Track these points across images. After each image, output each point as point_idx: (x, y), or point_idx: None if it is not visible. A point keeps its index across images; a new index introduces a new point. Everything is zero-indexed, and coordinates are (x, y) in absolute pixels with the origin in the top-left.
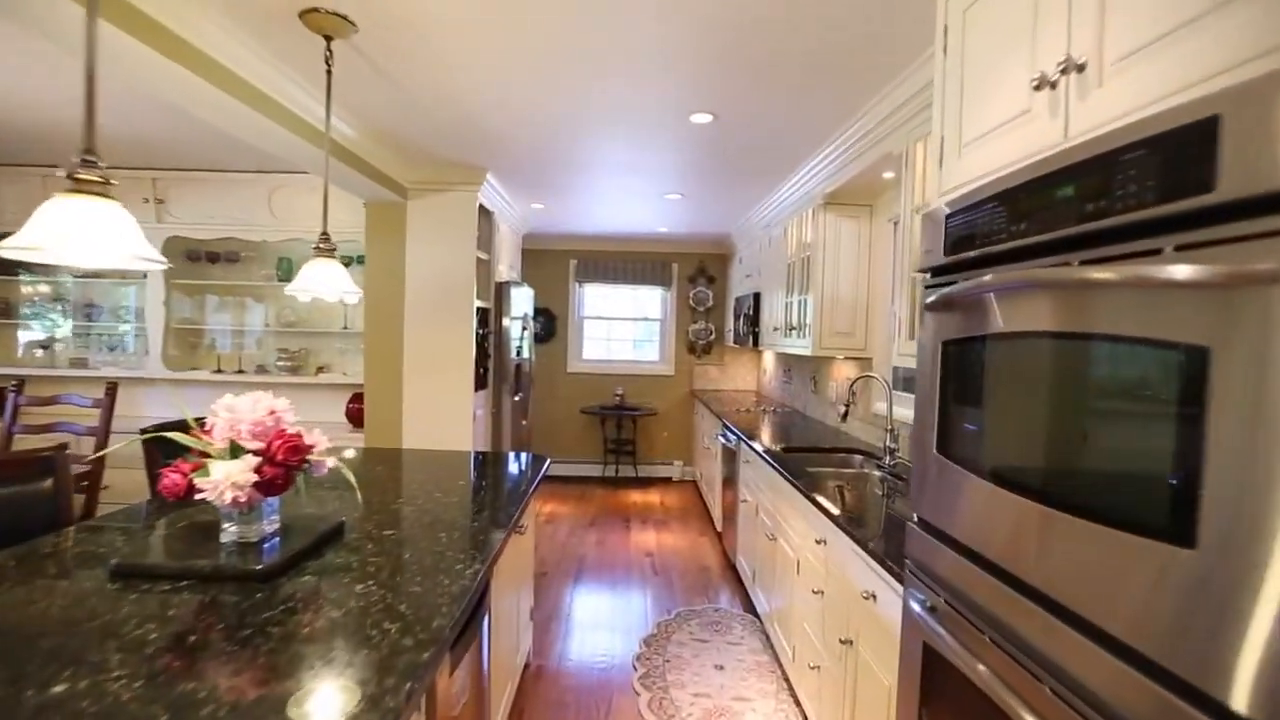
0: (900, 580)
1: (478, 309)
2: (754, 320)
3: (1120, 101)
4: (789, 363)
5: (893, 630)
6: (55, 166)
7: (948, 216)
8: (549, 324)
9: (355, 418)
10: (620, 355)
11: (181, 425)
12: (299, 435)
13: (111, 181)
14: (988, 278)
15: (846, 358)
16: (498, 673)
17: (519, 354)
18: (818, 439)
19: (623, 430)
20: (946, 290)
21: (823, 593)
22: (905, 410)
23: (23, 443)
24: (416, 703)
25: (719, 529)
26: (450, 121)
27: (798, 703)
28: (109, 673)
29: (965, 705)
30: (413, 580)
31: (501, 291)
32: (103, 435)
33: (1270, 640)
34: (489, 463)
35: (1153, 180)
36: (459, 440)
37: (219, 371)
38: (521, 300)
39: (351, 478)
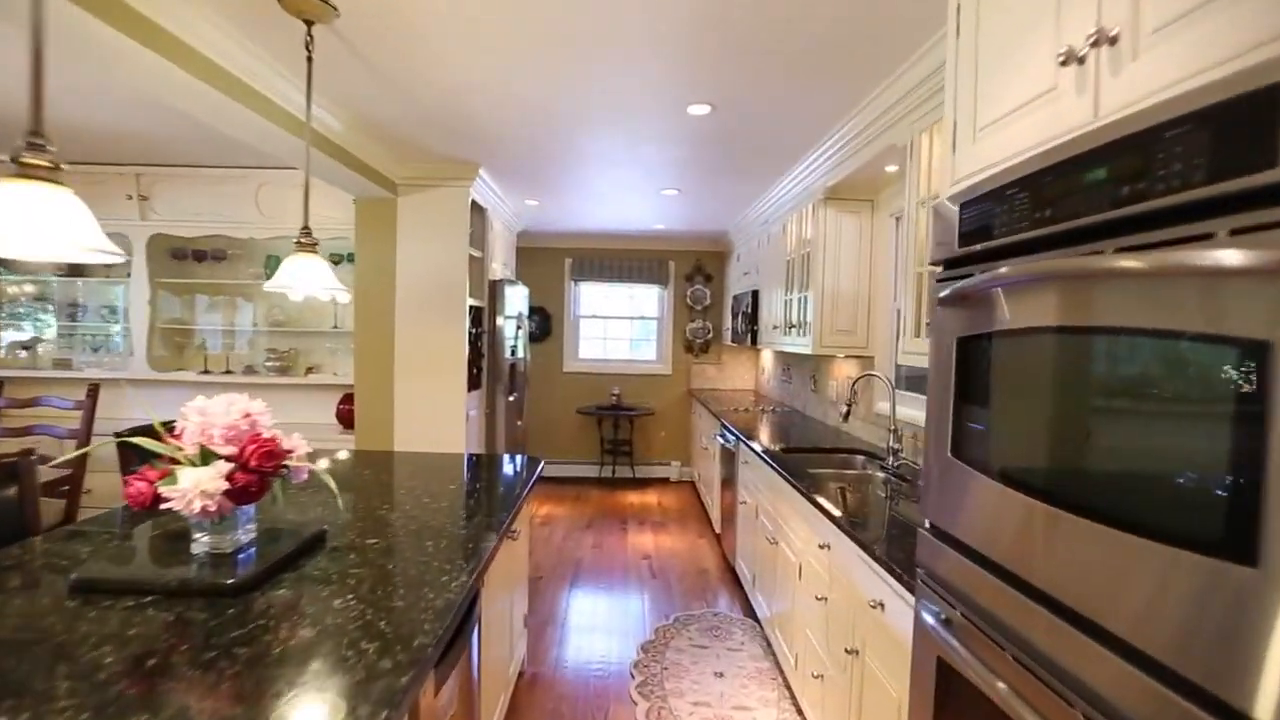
0: (911, 590)
1: (471, 307)
2: (752, 319)
3: (1158, 75)
4: (788, 361)
5: (902, 641)
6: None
7: (962, 205)
8: (544, 323)
9: (346, 419)
10: (617, 354)
11: (151, 430)
12: (275, 439)
13: (61, 166)
14: (1008, 269)
15: (847, 356)
16: (489, 683)
17: (513, 353)
18: (818, 439)
19: (619, 430)
20: (962, 283)
21: (826, 599)
22: (908, 410)
23: (1, 445)
24: None
25: (718, 531)
26: (440, 113)
27: (800, 712)
28: (54, 703)
29: None
30: (395, 594)
31: (495, 290)
32: (84, 438)
33: None
34: (481, 465)
35: (1202, 158)
36: (452, 442)
37: (206, 372)
38: (516, 299)
39: (332, 483)
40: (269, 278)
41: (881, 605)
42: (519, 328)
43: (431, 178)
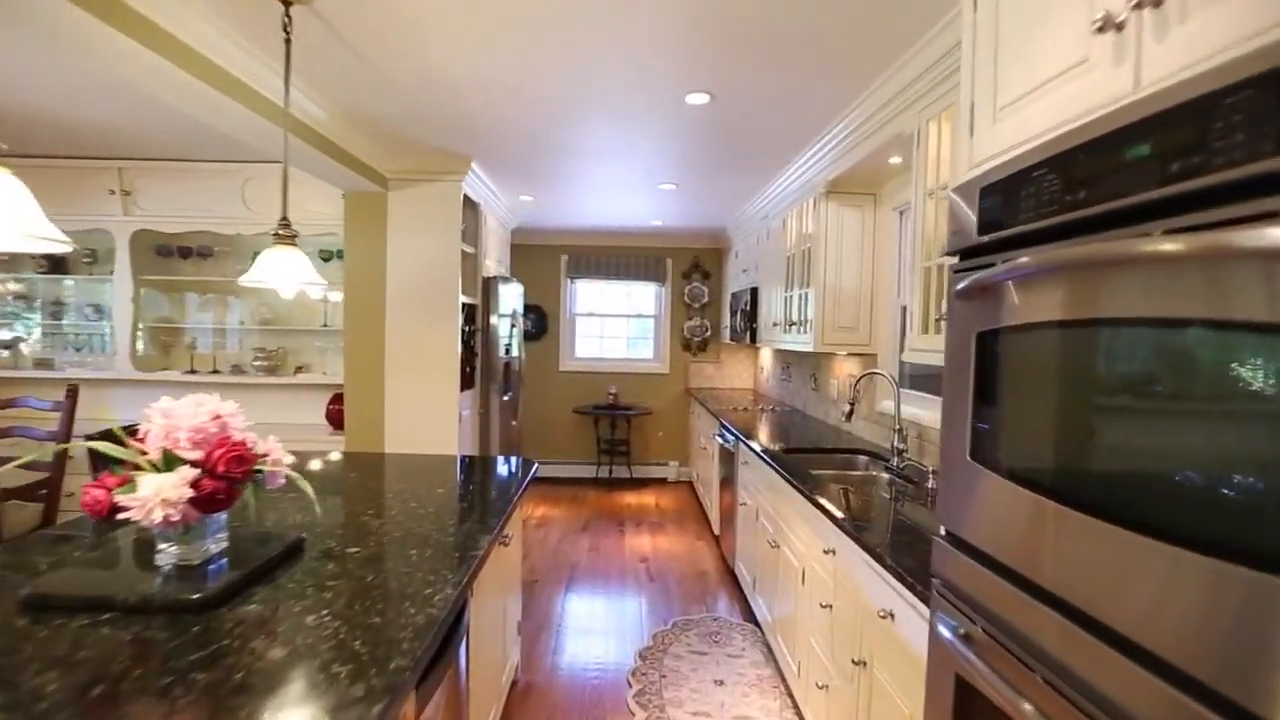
0: (925, 601)
1: (464, 305)
2: (751, 316)
3: (1211, 38)
4: (788, 360)
5: (914, 654)
6: None
7: (981, 191)
8: (540, 321)
9: (336, 419)
10: (613, 353)
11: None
12: (246, 443)
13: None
14: (1042, 256)
15: (849, 354)
16: (479, 695)
17: (508, 352)
18: (819, 439)
19: (616, 430)
20: (984, 274)
21: (831, 606)
22: (913, 409)
23: None
24: None
25: (716, 532)
26: (428, 102)
27: None
28: None
29: None
30: (374, 609)
31: (489, 287)
32: (63, 440)
33: None
34: (472, 468)
35: (1269, 126)
36: (444, 442)
37: (192, 372)
38: (510, 296)
39: (309, 490)
40: None
41: (891, 615)
42: (514, 326)
43: (422, 171)
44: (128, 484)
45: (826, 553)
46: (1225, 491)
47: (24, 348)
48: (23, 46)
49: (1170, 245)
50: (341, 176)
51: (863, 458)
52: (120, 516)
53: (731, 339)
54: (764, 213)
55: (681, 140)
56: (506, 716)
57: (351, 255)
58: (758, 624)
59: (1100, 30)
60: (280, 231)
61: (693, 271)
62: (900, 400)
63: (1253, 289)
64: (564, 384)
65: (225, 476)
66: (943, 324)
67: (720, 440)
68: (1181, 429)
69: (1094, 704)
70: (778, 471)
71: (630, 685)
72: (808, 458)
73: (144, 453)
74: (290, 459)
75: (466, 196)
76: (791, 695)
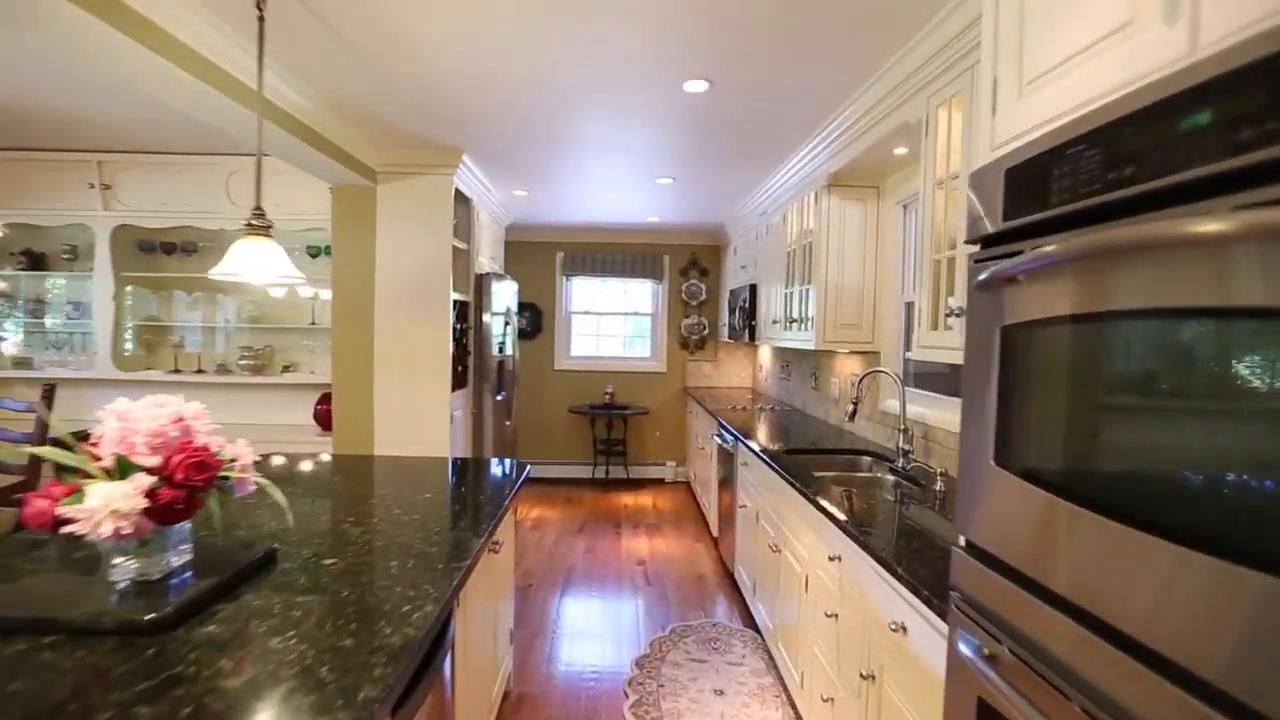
0: (942, 615)
1: (455, 302)
2: (750, 314)
3: None
4: (787, 358)
5: (929, 670)
6: None
7: (1007, 173)
8: (535, 319)
9: (324, 420)
10: (610, 351)
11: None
12: (208, 448)
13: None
14: (1076, 241)
15: (851, 352)
16: (468, 710)
17: (501, 350)
18: (821, 439)
19: (613, 430)
20: (1012, 262)
21: (837, 616)
22: (918, 408)
23: None
24: None
25: (715, 534)
26: (416, 89)
27: None
28: None
29: None
30: (346, 629)
31: (482, 284)
32: (38, 442)
33: None
34: (461, 471)
35: None
36: (435, 443)
37: (176, 371)
38: (504, 293)
39: (280, 498)
40: None
41: (903, 628)
42: (507, 324)
43: (412, 164)
44: (75, 494)
45: (832, 559)
46: None
47: (4, 347)
48: None
49: (1256, 219)
50: (327, 169)
51: (866, 458)
52: (65, 530)
53: (730, 337)
54: (763, 208)
55: (679, 131)
56: None
57: (339, 251)
58: (758, 630)
59: None
60: (254, 222)
61: (690, 269)
62: (905, 399)
63: None
64: (559, 383)
65: (184, 485)
66: (953, 320)
67: (719, 440)
68: (1260, 436)
69: None
70: (779, 473)
71: (627, 695)
72: (809, 458)
73: (97, 459)
74: (247, 458)
75: (458, 191)
76: (794, 706)
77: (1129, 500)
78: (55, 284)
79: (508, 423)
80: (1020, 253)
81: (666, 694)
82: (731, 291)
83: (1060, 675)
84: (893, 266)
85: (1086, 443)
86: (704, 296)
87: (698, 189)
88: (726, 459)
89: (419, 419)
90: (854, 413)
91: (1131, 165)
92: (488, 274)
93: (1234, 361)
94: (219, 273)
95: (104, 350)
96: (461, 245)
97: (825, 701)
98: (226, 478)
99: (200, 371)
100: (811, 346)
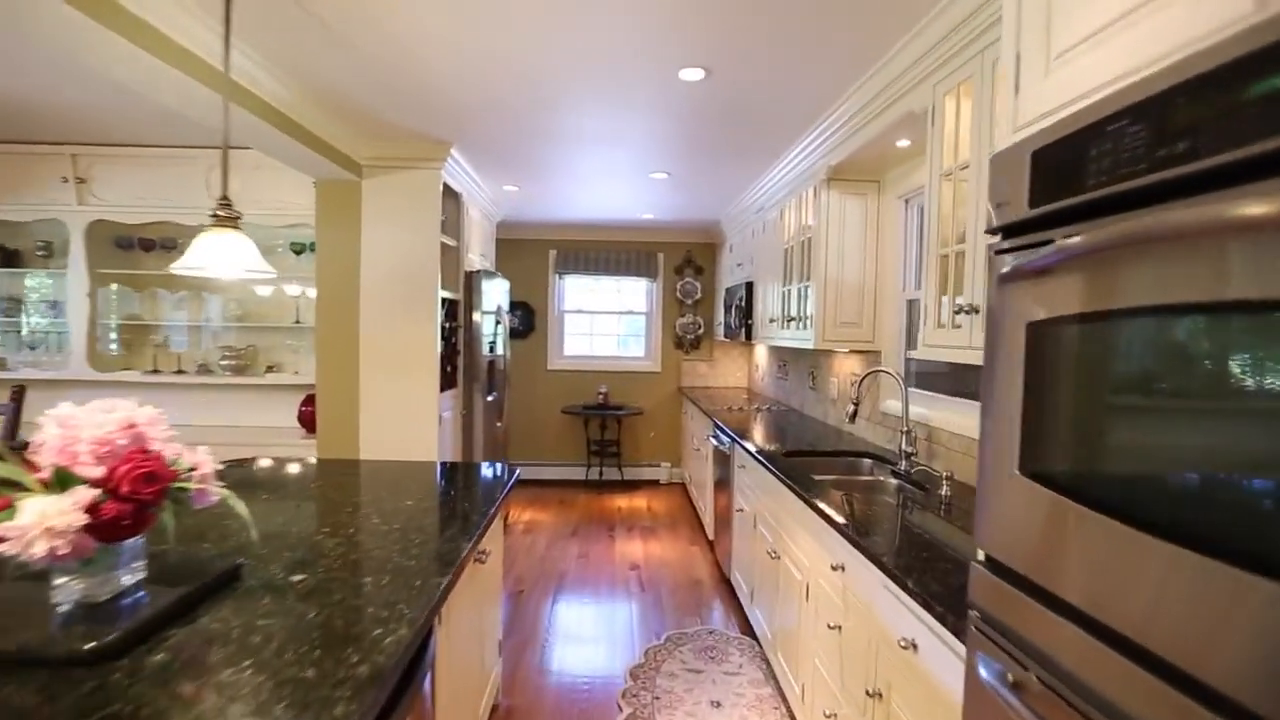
0: (958, 635)
1: (444, 300)
2: (747, 312)
3: None
4: (784, 357)
5: (943, 692)
6: None
7: (1034, 155)
8: (527, 318)
9: (308, 422)
10: (603, 351)
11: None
12: (160, 457)
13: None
14: (1121, 226)
15: (851, 351)
16: None
17: (492, 350)
18: (820, 440)
19: (606, 431)
20: (1043, 252)
21: (840, 628)
22: (920, 409)
23: None
24: None
25: (711, 537)
26: (402, 79)
27: None
28: None
29: None
30: (310, 656)
31: (472, 282)
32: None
33: None
34: (446, 476)
35: None
36: (423, 445)
37: (155, 372)
38: (495, 292)
39: (243, 510)
40: None
41: (914, 645)
42: (498, 323)
43: (399, 158)
44: (6, 509)
45: (835, 569)
46: None
47: None
48: None
49: None
50: (310, 162)
51: (867, 461)
52: None
53: (725, 336)
54: (759, 204)
55: (674, 122)
56: None
57: (324, 247)
58: (755, 638)
59: None
60: (219, 213)
61: (685, 267)
62: (908, 400)
63: None
64: (552, 383)
65: (132, 498)
66: (963, 317)
67: (715, 442)
68: None
69: None
70: (778, 477)
71: (621, 709)
72: (808, 461)
73: (35, 469)
74: (208, 466)
75: (447, 186)
76: (794, 718)
77: (1186, 519)
78: (41, 282)
79: (499, 424)
80: (1049, 242)
81: (662, 706)
82: (727, 290)
83: (1100, 710)
84: (894, 263)
85: (1132, 453)
86: (699, 295)
87: (693, 184)
88: (722, 460)
89: (406, 420)
90: (854, 414)
91: (1185, 140)
92: (478, 271)
93: None
94: (181, 267)
95: (79, 350)
96: (450, 242)
97: (828, 717)
98: (184, 489)
99: (180, 372)
100: (810, 346)
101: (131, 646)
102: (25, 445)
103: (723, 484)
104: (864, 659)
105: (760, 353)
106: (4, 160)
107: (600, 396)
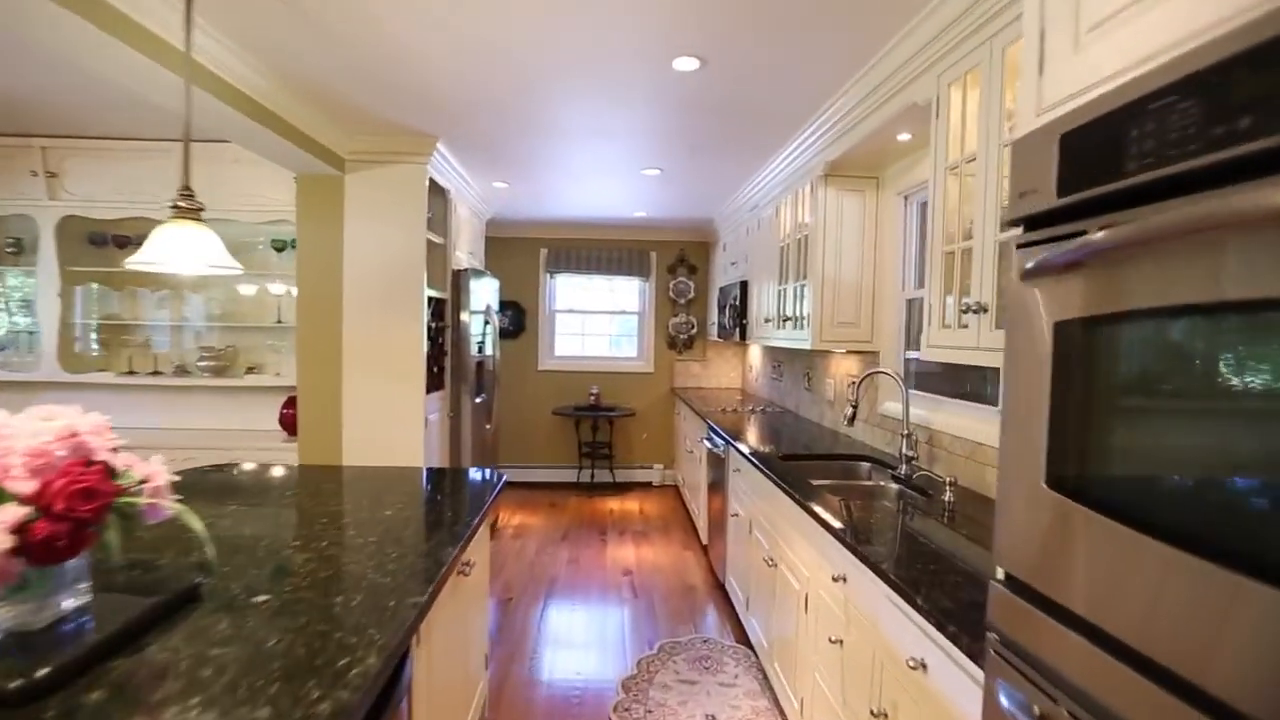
0: (974, 658)
1: (431, 299)
2: (741, 312)
3: None
4: (778, 358)
5: (955, 716)
6: None
7: (1064, 138)
8: (518, 318)
9: (290, 425)
10: (595, 351)
11: None
12: (102, 470)
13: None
14: (1170, 215)
15: (848, 351)
16: None
17: (481, 350)
18: (816, 443)
19: (598, 432)
20: (1075, 244)
21: (842, 643)
22: (921, 411)
23: None
24: None
25: (704, 541)
26: (384, 68)
27: None
28: None
29: None
30: (264, 693)
31: (460, 280)
32: None
33: None
34: (430, 482)
35: None
36: (408, 448)
37: (130, 373)
38: (483, 291)
39: (198, 527)
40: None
41: (923, 665)
42: (487, 322)
43: (383, 151)
44: None
45: (836, 580)
46: None
47: None
48: None
49: None
50: (290, 155)
51: (865, 465)
52: None
53: (719, 336)
54: (754, 201)
55: (668, 115)
56: None
57: (305, 244)
58: (751, 646)
59: None
60: (180, 203)
61: (678, 266)
62: (909, 402)
63: None
64: (543, 384)
65: (67, 516)
66: (970, 316)
67: (708, 445)
68: None
69: None
70: (774, 481)
71: None
72: (805, 465)
73: None
74: (161, 479)
75: (434, 181)
76: None
77: (1250, 544)
78: (24, 281)
79: (488, 426)
80: (1081, 233)
81: None
82: (721, 289)
83: None
84: (893, 261)
85: (1183, 466)
86: (692, 294)
87: (686, 181)
88: (716, 463)
89: (391, 423)
90: (853, 416)
91: (1249, 117)
92: (466, 270)
93: None
94: (137, 262)
95: (49, 351)
96: (438, 239)
97: None
98: (131, 504)
99: (157, 373)
100: (807, 346)
101: (67, 681)
102: None
103: (716, 487)
104: (868, 676)
105: (754, 353)
106: None
107: (592, 397)
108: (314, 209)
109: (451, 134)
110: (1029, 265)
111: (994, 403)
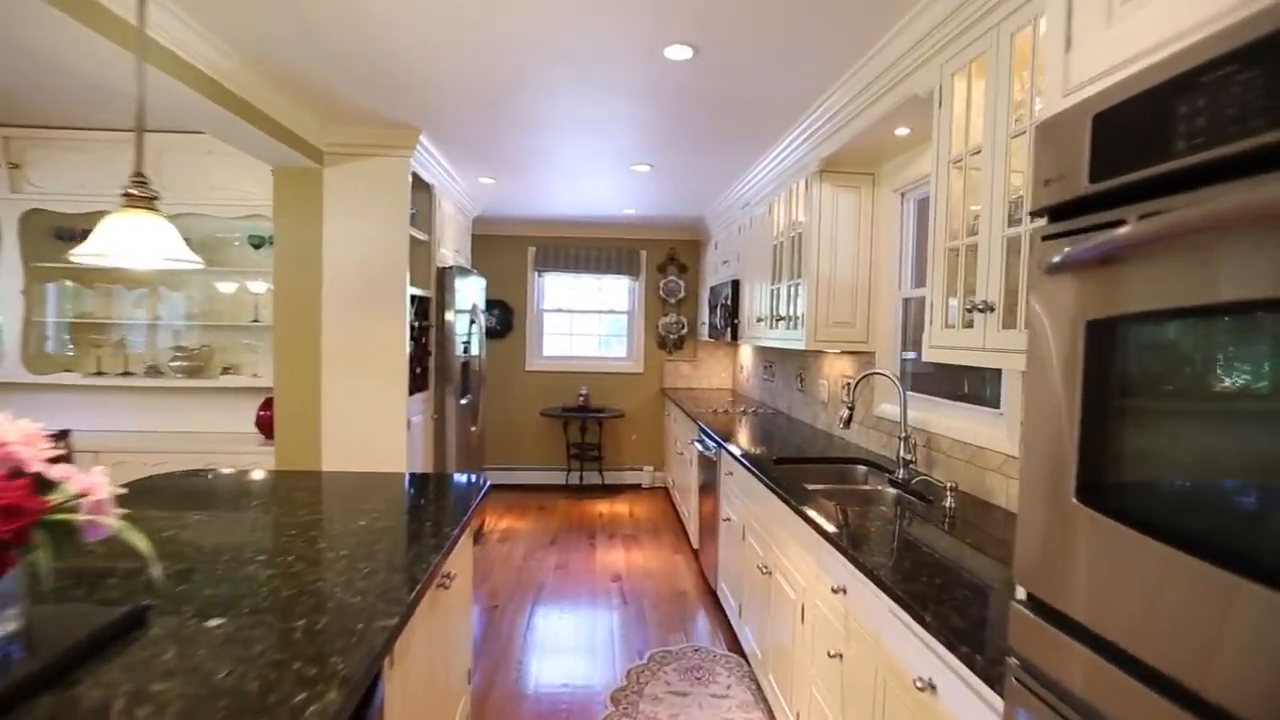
0: (992, 684)
1: (414, 298)
2: (732, 312)
3: None
4: (770, 358)
5: None
6: None
7: (1097, 119)
8: (505, 317)
9: (267, 427)
10: (584, 351)
11: None
12: (27, 485)
13: None
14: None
15: (842, 352)
16: None
17: (467, 350)
18: (809, 445)
19: (587, 434)
20: (1111, 236)
21: (841, 657)
22: (917, 413)
23: None
24: None
25: (695, 545)
26: (362, 54)
27: None
28: None
29: None
30: None
31: (444, 278)
32: None
33: None
34: (409, 489)
35: None
36: (390, 451)
37: (99, 374)
38: (469, 289)
39: (141, 545)
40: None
41: (932, 687)
42: (473, 322)
43: (364, 144)
44: None
45: (835, 591)
46: None
47: None
48: None
49: None
50: (265, 146)
51: (861, 468)
52: None
53: (710, 336)
54: (746, 199)
55: (659, 107)
56: None
57: (282, 239)
58: (744, 655)
59: None
60: (133, 191)
61: (668, 265)
62: (906, 405)
63: None
64: (531, 385)
65: None
66: (977, 316)
67: (699, 447)
68: None
69: None
70: (770, 488)
71: None
72: (800, 469)
73: None
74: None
75: (417, 176)
76: None
77: None
78: None
79: (473, 428)
80: (1118, 223)
81: None
82: (712, 288)
83: None
84: (889, 260)
85: (1233, 478)
86: (683, 294)
87: (677, 177)
88: (708, 466)
89: (372, 425)
90: (849, 419)
91: None
92: (451, 268)
93: None
94: (82, 254)
95: (13, 351)
96: (421, 236)
97: None
98: (64, 521)
99: (127, 374)
100: (801, 346)
101: None
102: None
103: (708, 490)
104: (870, 694)
105: (745, 353)
106: None
107: (580, 398)
108: (292, 203)
109: (435, 126)
110: (1056, 259)
111: (995, 404)
